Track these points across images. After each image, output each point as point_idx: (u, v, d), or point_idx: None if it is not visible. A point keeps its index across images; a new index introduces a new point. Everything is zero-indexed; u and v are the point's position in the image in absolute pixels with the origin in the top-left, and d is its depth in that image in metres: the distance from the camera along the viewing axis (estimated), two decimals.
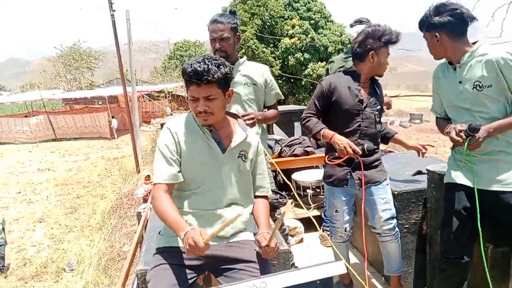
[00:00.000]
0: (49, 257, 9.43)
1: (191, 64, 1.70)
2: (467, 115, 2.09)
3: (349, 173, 2.52)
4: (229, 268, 1.79)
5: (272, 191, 2.78)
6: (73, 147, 20.42)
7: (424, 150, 2.86)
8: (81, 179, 15.05)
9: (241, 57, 2.75)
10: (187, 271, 1.75)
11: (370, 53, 2.43)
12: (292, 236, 3.88)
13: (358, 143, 2.48)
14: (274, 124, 5.24)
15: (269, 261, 1.88)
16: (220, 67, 1.71)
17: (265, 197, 2.02)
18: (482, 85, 2.00)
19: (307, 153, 4.49)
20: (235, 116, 2.02)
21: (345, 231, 2.65)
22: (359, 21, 3.44)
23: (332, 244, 2.83)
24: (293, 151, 4.46)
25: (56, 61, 39.15)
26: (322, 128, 2.46)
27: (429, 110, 2.40)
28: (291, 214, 4.24)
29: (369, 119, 2.52)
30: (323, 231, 3.89)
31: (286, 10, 23.76)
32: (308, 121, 2.53)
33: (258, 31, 21.87)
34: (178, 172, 1.80)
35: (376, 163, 2.61)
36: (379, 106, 2.57)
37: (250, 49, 20.85)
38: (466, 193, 2.12)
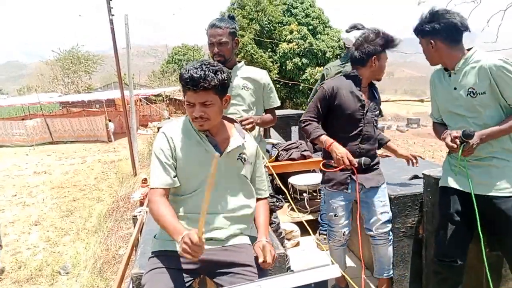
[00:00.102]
0: (44, 260, 9.37)
1: (188, 70, 1.69)
2: (461, 121, 2.10)
3: (349, 177, 2.53)
4: (225, 272, 1.78)
5: (269, 194, 2.78)
6: (70, 150, 20.36)
7: (414, 161, 2.87)
8: (77, 182, 15.00)
9: (239, 62, 2.76)
10: (183, 274, 1.75)
11: (372, 57, 2.45)
12: (289, 239, 3.87)
13: (359, 147, 2.51)
14: (271, 128, 5.24)
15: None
16: (217, 73, 1.71)
17: (264, 199, 2.02)
18: (476, 92, 2.01)
19: (304, 157, 4.50)
20: (232, 120, 2.02)
21: (344, 235, 2.66)
22: (355, 27, 3.46)
23: (328, 248, 2.83)
24: (290, 155, 4.47)
25: (54, 65, 39.10)
26: (322, 134, 2.46)
27: (429, 115, 2.41)
28: (287, 218, 4.24)
29: (370, 123, 2.55)
30: (319, 234, 3.89)
31: (285, 16, 23.83)
32: (307, 124, 2.52)
33: (256, 36, 21.92)
34: (174, 177, 1.80)
35: (376, 166, 2.64)
36: (377, 111, 2.59)
37: (248, 54, 20.89)
38: (460, 197, 2.14)
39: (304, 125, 2.54)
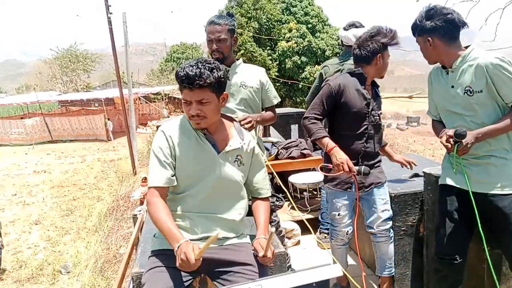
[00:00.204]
0: (45, 260, 9.37)
1: (184, 68, 1.69)
2: (459, 119, 2.10)
3: (358, 166, 2.52)
4: (225, 271, 1.78)
5: None
6: (69, 149, 20.34)
7: (408, 166, 2.88)
8: (77, 181, 14.99)
9: (237, 59, 2.75)
10: (183, 273, 1.74)
11: (377, 55, 2.45)
12: (289, 238, 3.87)
13: (364, 146, 2.51)
14: (271, 127, 5.24)
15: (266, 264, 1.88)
16: (214, 71, 1.70)
17: (266, 199, 2.02)
18: (473, 90, 2.01)
19: (304, 155, 4.49)
20: (231, 119, 2.02)
21: (346, 234, 2.66)
22: (353, 25, 3.45)
23: (330, 247, 2.83)
24: (290, 154, 4.46)
25: (52, 63, 39.04)
26: (325, 136, 2.44)
27: (426, 113, 2.41)
28: (288, 217, 4.24)
29: (375, 122, 2.55)
30: (320, 233, 3.89)
31: (284, 14, 23.77)
32: (312, 123, 2.49)
33: (255, 33, 21.88)
34: (172, 176, 1.80)
35: (378, 164, 2.65)
36: (380, 110, 2.59)
37: (248, 52, 20.84)
38: (459, 195, 2.14)
39: (308, 122, 2.51)
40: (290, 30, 22.82)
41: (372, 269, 3.14)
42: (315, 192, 4.57)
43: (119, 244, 8.98)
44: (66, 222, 11.47)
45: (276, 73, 21.90)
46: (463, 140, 1.96)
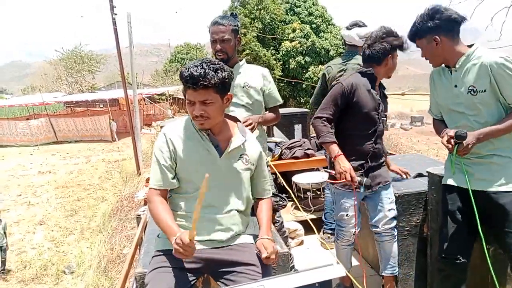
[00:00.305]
0: (49, 260, 9.42)
1: (188, 68, 1.69)
2: (462, 119, 2.09)
3: (361, 176, 2.52)
4: (228, 271, 1.78)
5: (272, 193, 2.77)
6: (74, 150, 20.44)
7: (404, 176, 2.89)
8: (81, 181, 15.06)
9: (240, 60, 2.75)
10: (186, 274, 1.74)
11: (388, 56, 2.45)
12: (293, 238, 3.87)
13: (373, 146, 2.52)
14: (275, 127, 5.23)
15: (269, 264, 1.87)
16: (218, 71, 1.69)
17: (268, 199, 2.02)
18: (476, 89, 2.00)
19: (307, 155, 4.48)
20: (235, 119, 2.01)
21: (354, 234, 2.66)
22: (356, 24, 3.44)
23: (335, 247, 2.83)
24: (294, 154, 4.46)
25: (57, 64, 39.23)
26: (333, 142, 2.43)
27: (427, 112, 2.40)
28: (291, 217, 4.23)
29: (383, 123, 2.56)
30: (323, 233, 3.88)
31: (288, 14, 23.76)
32: (323, 125, 2.45)
33: (259, 34, 21.87)
34: (173, 179, 1.81)
35: (384, 163, 2.66)
36: (387, 112, 2.60)
37: (254, 52, 20.82)
38: (462, 195, 2.13)
39: (319, 124, 2.47)
40: (293, 30, 22.80)
41: (376, 269, 3.13)
42: (318, 192, 4.56)
43: (123, 244, 9.01)
44: (70, 223, 11.52)
45: (280, 73, 21.88)
46: (463, 142, 1.96)
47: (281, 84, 22.01)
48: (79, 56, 38.50)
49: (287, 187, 2.90)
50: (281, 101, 2.88)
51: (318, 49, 22.51)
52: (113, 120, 22.95)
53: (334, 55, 22.00)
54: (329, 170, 2.54)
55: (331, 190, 2.76)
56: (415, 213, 2.77)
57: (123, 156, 18.41)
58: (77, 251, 9.78)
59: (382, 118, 2.55)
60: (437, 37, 2.05)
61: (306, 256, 3.70)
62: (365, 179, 2.43)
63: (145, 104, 28.61)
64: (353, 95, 2.43)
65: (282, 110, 5.46)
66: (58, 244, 10.30)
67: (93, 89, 38.31)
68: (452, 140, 1.99)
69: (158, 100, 30.21)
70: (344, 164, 2.38)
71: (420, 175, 2.99)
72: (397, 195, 2.71)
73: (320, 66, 21.83)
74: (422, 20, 2.07)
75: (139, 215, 3.51)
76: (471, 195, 2.00)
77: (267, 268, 1.83)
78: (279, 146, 4.64)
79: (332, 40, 22.90)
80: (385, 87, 2.65)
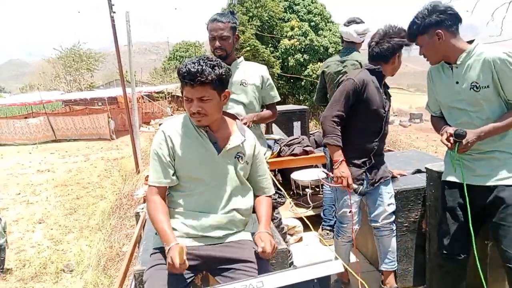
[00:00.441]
0: (48, 258, 9.42)
1: (186, 65, 1.69)
2: (463, 115, 2.08)
3: (364, 173, 2.53)
4: (226, 268, 1.78)
5: None
6: (73, 148, 20.42)
7: (398, 177, 2.90)
8: (80, 180, 15.05)
9: (238, 57, 2.74)
10: (184, 271, 1.74)
11: (396, 54, 2.45)
12: (291, 235, 3.87)
13: (377, 145, 2.52)
14: (274, 124, 5.23)
15: (268, 261, 1.88)
16: (215, 68, 1.69)
17: (268, 196, 2.02)
18: (479, 86, 1.98)
19: (306, 152, 4.48)
20: (234, 117, 2.01)
21: (356, 231, 2.67)
22: (353, 21, 3.43)
23: (334, 244, 2.83)
24: (292, 151, 4.45)
25: (55, 63, 39.15)
26: (338, 146, 2.41)
27: (424, 108, 2.39)
28: (290, 213, 4.23)
29: (388, 122, 2.57)
30: (322, 230, 3.88)
31: (287, 12, 23.72)
32: (332, 125, 2.42)
33: (258, 31, 21.84)
34: (172, 176, 1.81)
35: (383, 159, 2.68)
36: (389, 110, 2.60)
37: (254, 49, 20.78)
38: (460, 190, 2.12)
39: (330, 124, 2.42)
40: (292, 28, 22.77)
41: (375, 265, 3.14)
42: (317, 189, 4.56)
43: (122, 242, 9.02)
44: (70, 221, 11.52)
45: (279, 71, 21.87)
46: (463, 140, 1.95)
47: (280, 82, 22.00)
48: (77, 55, 38.41)
49: (279, 185, 2.89)
50: (279, 98, 2.88)
51: (316, 47, 22.49)
52: (111, 119, 22.91)
53: (333, 52, 21.99)
54: (327, 172, 2.55)
55: (332, 188, 2.76)
56: (413, 209, 2.78)
57: (122, 154, 18.40)
58: (77, 250, 9.78)
59: (388, 117, 2.56)
60: (439, 31, 2.01)
61: (305, 252, 3.71)
62: (361, 187, 2.45)
63: (144, 102, 28.58)
64: (364, 91, 2.42)
65: (281, 108, 5.46)
66: (58, 243, 10.30)
67: (91, 88, 38.24)
68: (451, 138, 1.98)
69: (156, 98, 30.18)
70: (343, 170, 2.39)
71: (418, 171, 3.00)
72: (395, 191, 2.72)
73: (319, 63, 21.81)
74: (424, 15, 2.05)
75: (138, 212, 3.51)
76: (465, 190, 2.00)
77: (266, 264, 1.83)
78: (278, 143, 4.64)
79: (331, 37, 22.88)
80: (388, 86, 2.65)
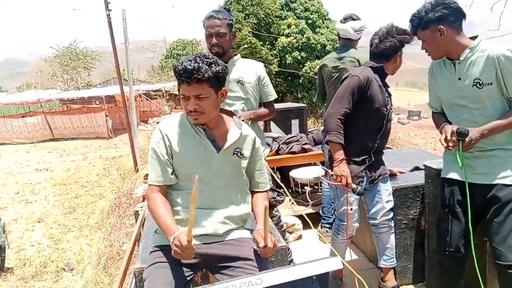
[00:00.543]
0: (48, 257, 9.42)
1: (182, 62, 1.68)
2: (465, 112, 2.06)
3: (364, 170, 2.54)
4: (226, 266, 1.79)
5: (270, 188, 2.78)
6: (71, 147, 20.38)
7: (397, 175, 2.93)
8: (79, 179, 15.02)
9: (235, 55, 2.74)
10: (184, 269, 1.75)
11: (398, 53, 2.46)
12: (291, 233, 3.88)
13: (378, 142, 2.53)
14: (272, 122, 5.24)
15: (267, 258, 1.88)
16: (212, 65, 1.69)
17: (265, 192, 2.02)
18: (482, 82, 1.96)
19: (304, 150, 4.49)
20: (231, 113, 2.01)
21: (355, 228, 2.68)
22: (350, 17, 3.44)
23: (333, 241, 2.84)
24: (291, 149, 4.46)
25: (52, 61, 39.02)
26: (340, 145, 2.41)
27: (426, 104, 2.39)
28: (289, 211, 4.24)
29: (389, 120, 2.57)
30: (321, 227, 3.89)
31: (283, 10, 23.69)
32: (336, 123, 2.41)
33: (254, 29, 21.81)
34: (171, 174, 1.81)
35: (382, 158, 2.68)
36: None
37: (251, 46, 20.74)
38: (460, 188, 2.13)
39: (333, 121, 2.42)
40: (289, 26, 22.75)
41: (374, 263, 3.15)
42: (316, 187, 4.57)
43: (122, 241, 9.02)
44: (69, 220, 11.51)
45: (277, 69, 21.86)
46: (466, 138, 1.94)
47: (278, 80, 21.98)
48: (74, 53, 38.28)
49: (279, 181, 2.90)
50: (276, 96, 2.88)
51: (313, 45, 22.47)
52: (108, 117, 22.84)
53: (331, 50, 21.98)
54: (327, 169, 2.55)
55: (332, 186, 2.76)
56: (412, 206, 2.78)
57: (120, 152, 18.37)
58: (76, 248, 9.78)
59: (390, 115, 2.57)
60: (442, 27, 2.00)
61: (305, 250, 3.72)
62: (359, 188, 2.45)
63: (142, 100, 28.52)
64: (368, 88, 2.42)
65: (279, 105, 5.47)
66: (57, 242, 10.30)
67: (89, 86, 38.13)
68: (454, 137, 1.97)
69: (154, 97, 30.13)
70: (343, 169, 2.40)
71: (417, 168, 3.00)
72: (394, 188, 2.72)
73: (316, 60, 21.81)
74: (427, 9, 2.02)
75: (137, 211, 3.51)
76: (467, 188, 2.00)
77: (265, 262, 1.84)
78: (276, 141, 4.64)
79: (329, 35, 22.86)
80: (388, 86, 2.65)
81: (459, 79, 2.05)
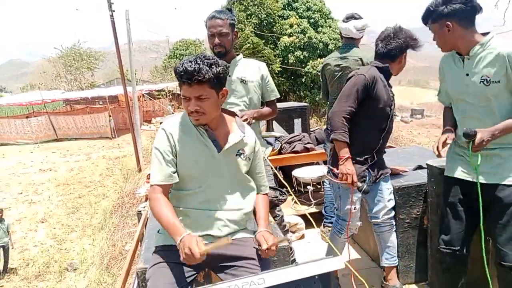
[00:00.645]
0: (51, 257, 9.45)
1: (183, 64, 1.68)
2: (470, 109, 2.05)
3: (366, 170, 2.53)
4: (228, 265, 1.79)
5: (272, 188, 2.78)
6: (74, 147, 20.44)
7: (401, 172, 2.93)
8: (82, 179, 15.07)
9: (237, 55, 2.74)
10: (186, 269, 1.74)
11: (403, 54, 2.46)
12: (293, 232, 3.88)
13: (380, 141, 2.53)
14: (274, 121, 5.23)
15: (269, 258, 1.88)
16: (212, 66, 1.68)
17: (265, 194, 2.02)
18: (490, 80, 1.93)
19: (307, 149, 4.49)
20: (233, 113, 2.01)
21: (357, 227, 2.68)
22: (352, 17, 3.43)
23: (333, 240, 2.83)
24: (293, 148, 4.46)
25: (56, 62, 39.14)
26: (345, 143, 2.41)
27: (437, 98, 2.36)
28: (291, 211, 4.24)
29: (392, 120, 2.57)
30: (324, 227, 3.89)
31: (286, 9, 23.69)
32: (342, 121, 2.41)
33: (256, 29, 21.83)
34: (174, 173, 1.80)
35: (383, 157, 2.68)
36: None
37: (253, 44, 20.75)
38: (462, 186, 2.12)
39: (339, 119, 2.41)
40: (291, 26, 22.74)
41: (377, 262, 3.14)
42: (318, 186, 4.57)
43: (125, 240, 9.04)
44: (72, 220, 11.55)
45: (279, 69, 21.86)
46: (477, 138, 1.90)
47: (281, 79, 21.99)
48: (77, 54, 38.39)
49: (283, 181, 2.90)
50: (278, 95, 2.88)
51: (315, 44, 22.46)
52: (111, 117, 22.88)
53: (333, 49, 21.97)
54: (332, 168, 2.54)
55: (333, 185, 2.76)
56: (415, 205, 2.77)
57: (123, 152, 18.41)
58: (80, 248, 9.82)
59: (393, 115, 2.57)
60: (449, 23, 1.97)
61: (307, 249, 3.71)
62: (365, 186, 2.45)
63: (145, 100, 28.58)
64: (374, 88, 2.42)
65: (281, 105, 5.47)
66: (60, 242, 10.34)
67: (92, 86, 38.24)
68: (464, 140, 1.96)
69: (157, 97, 30.19)
70: (349, 167, 2.39)
71: (420, 167, 2.99)
72: (396, 187, 2.72)
73: (319, 59, 21.81)
74: (438, 3, 1.99)
75: (140, 211, 3.51)
76: (479, 189, 1.97)
77: (267, 262, 1.84)
78: (278, 140, 4.64)
79: (331, 34, 22.85)
80: (391, 85, 2.64)
81: (467, 75, 2.02)
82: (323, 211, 3.95)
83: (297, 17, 23.19)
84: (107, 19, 14.93)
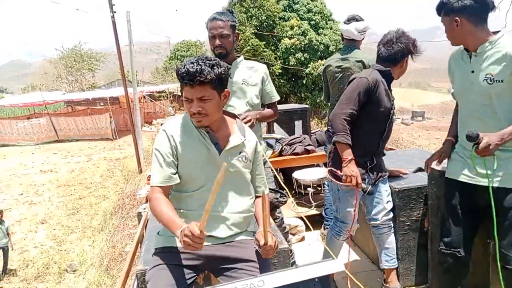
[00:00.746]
0: (51, 258, 9.45)
1: (184, 65, 1.68)
2: (472, 107, 2.04)
3: (366, 172, 2.53)
4: (228, 267, 1.78)
5: (273, 190, 2.77)
6: (75, 149, 20.45)
7: (402, 175, 2.93)
8: (83, 180, 15.07)
9: (238, 56, 2.74)
10: (186, 271, 1.74)
11: (405, 58, 2.47)
12: (294, 234, 3.87)
13: (379, 144, 2.54)
14: (275, 123, 5.23)
15: (269, 260, 1.87)
16: (214, 67, 1.68)
17: (265, 196, 2.01)
18: (493, 79, 1.92)
19: (307, 151, 4.48)
20: (234, 116, 2.01)
21: (355, 229, 2.68)
22: (354, 18, 3.44)
23: (331, 242, 2.82)
24: (294, 150, 4.45)
25: (57, 63, 39.21)
26: (348, 145, 2.41)
27: (450, 94, 2.34)
28: (292, 213, 4.24)
29: (392, 123, 2.58)
30: (324, 229, 3.88)
31: (286, 11, 23.71)
32: (343, 123, 2.41)
33: (257, 31, 21.85)
34: (174, 174, 1.79)
35: (383, 159, 2.69)
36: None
37: (253, 47, 20.77)
38: (464, 189, 2.11)
39: (340, 122, 2.41)
40: (292, 27, 22.76)
41: (377, 265, 3.13)
42: (319, 188, 4.56)
43: (125, 242, 9.04)
44: (72, 221, 11.55)
45: (280, 70, 21.87)
46: (482, 142, 1.87)
47: (281, 81, 21.99)
48: (79, 55, 38.47)
49: (282, 184, 2.89)
50: (279, 98, 2.88)
51: (316, 46, 22.48)
52: (111, 118, 22.90)
53: (334, 50, 21.99)
54: (335, 170, 2.54)
55: (332, 188, 2.75)
56: (415, 207, 2.77)
57: (124, 154, 18.42)
58: (79, 250, 9.81)
59: (393, 118, 2.57)
60: (457, 18, 1.96)
61: (307, 252, 3.71)
62: (369, 187, 2.46)
63: (146, 102, 28.61)
64: (376, 91, 2.42)
65: (282, 107, 5.47)
66: (60, 243, 10.33)
67: (93, 88, 38.29)
68: (469, 141, 1.94)
69: (158, 98, 30.23)
70: (353, 169, 2.39)
71: (420, 169, 2.99)
72: (397, 189, 2.71)
73: (319, 61, 21.82)
74: None
75: (140, 212, 3.51)
76: (491, 193, 1.94)
77: (267, 264, 1.83)
78: (279, 142, 4.64)
79: (332, 35, 22.86)
80: (391, 89, 2.64)
81: (472, 72, 2.01)
82: (323, 213, 3.94)
83: (298, 19, 23.20)
84: (107, 20, 14.98)
